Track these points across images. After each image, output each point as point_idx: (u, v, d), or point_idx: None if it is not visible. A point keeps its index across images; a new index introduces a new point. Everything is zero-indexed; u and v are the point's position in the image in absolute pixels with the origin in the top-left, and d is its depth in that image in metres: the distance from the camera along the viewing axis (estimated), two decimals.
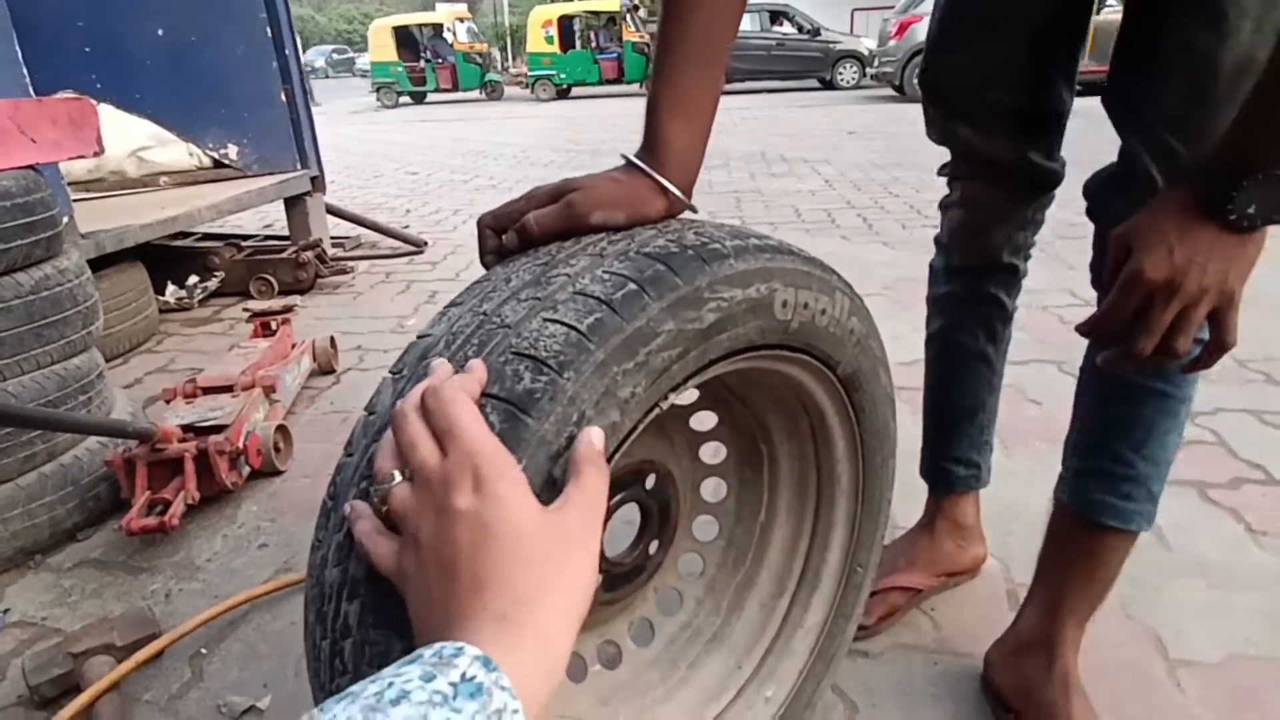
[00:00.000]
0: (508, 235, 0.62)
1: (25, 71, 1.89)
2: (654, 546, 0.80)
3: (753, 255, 0.60)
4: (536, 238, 0.60)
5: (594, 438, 0.45)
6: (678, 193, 0.62)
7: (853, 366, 0.72)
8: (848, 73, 13.63)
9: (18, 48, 1.86)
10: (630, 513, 0.76)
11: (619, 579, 0.78)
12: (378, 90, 16.14)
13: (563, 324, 0.50)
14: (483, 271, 0.62)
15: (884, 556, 1.11)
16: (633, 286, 0.52)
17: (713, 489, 0.88)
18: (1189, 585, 1.14)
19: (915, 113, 1.27)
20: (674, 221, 0.64)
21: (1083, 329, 0.71)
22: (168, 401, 1.58)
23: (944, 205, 1.03)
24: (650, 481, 0.77)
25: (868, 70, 12.93)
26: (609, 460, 0.52)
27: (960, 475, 1.12)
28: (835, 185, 4.50)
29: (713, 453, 0.86)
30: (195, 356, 2.27)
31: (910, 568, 1.10)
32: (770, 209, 3.94)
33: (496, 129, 9.73)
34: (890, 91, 11.21)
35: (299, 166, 2.98)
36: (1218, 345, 0.65)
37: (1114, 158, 0.78)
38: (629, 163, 0.64)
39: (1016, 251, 1.00)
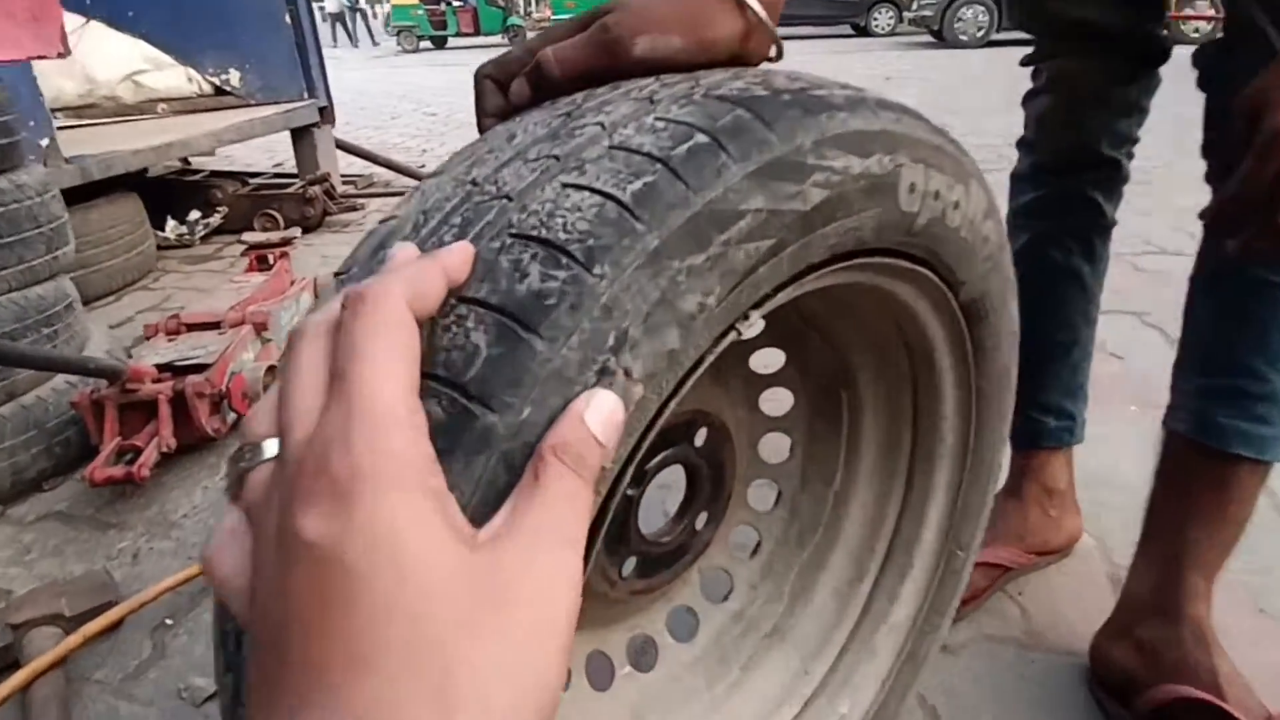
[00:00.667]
0: (516, 83, 0.43)
1: None
2: (702, 519, 0.63)
3: (872, 112, 0.41)
4: (558, 81, 0.41)
5: (593, 413, 0.27)
6: (760, 11, 0.43)
7: (981, 288, 0.53)
8: (883, 18, 12.95)
9: None
10: (671, 477, 0.59)
11: (657, 563, 0.61)
12: (398, 34, 15.80)
13: (594, 191, 0.31)
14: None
15: None
16: (703, 139, 0.34)
17: (774, 446, 0.70)
18: None
19: (954, 59, 1.04)
20: (753, 67, 0.45)
21: (1208, 214, 0.60)
22: (148, 338, 1.43)
23: (1029, 96, 0.88)
24: (701, 437, 0.60)
25: (904, 15, 12.27)
26: (652, 425, 0.34)
27: (1051, 428, 0.94)
28: None
29: (775, 402, 0.68)
30: (192, 294, 2.12)
31: (994, 542, 0.92)
32: None
33: None
34: (928, 37, 10.67)
35: (306, 96, 2.78)
36: None
37: None
38: None
39: (1118, 144, 0.84)
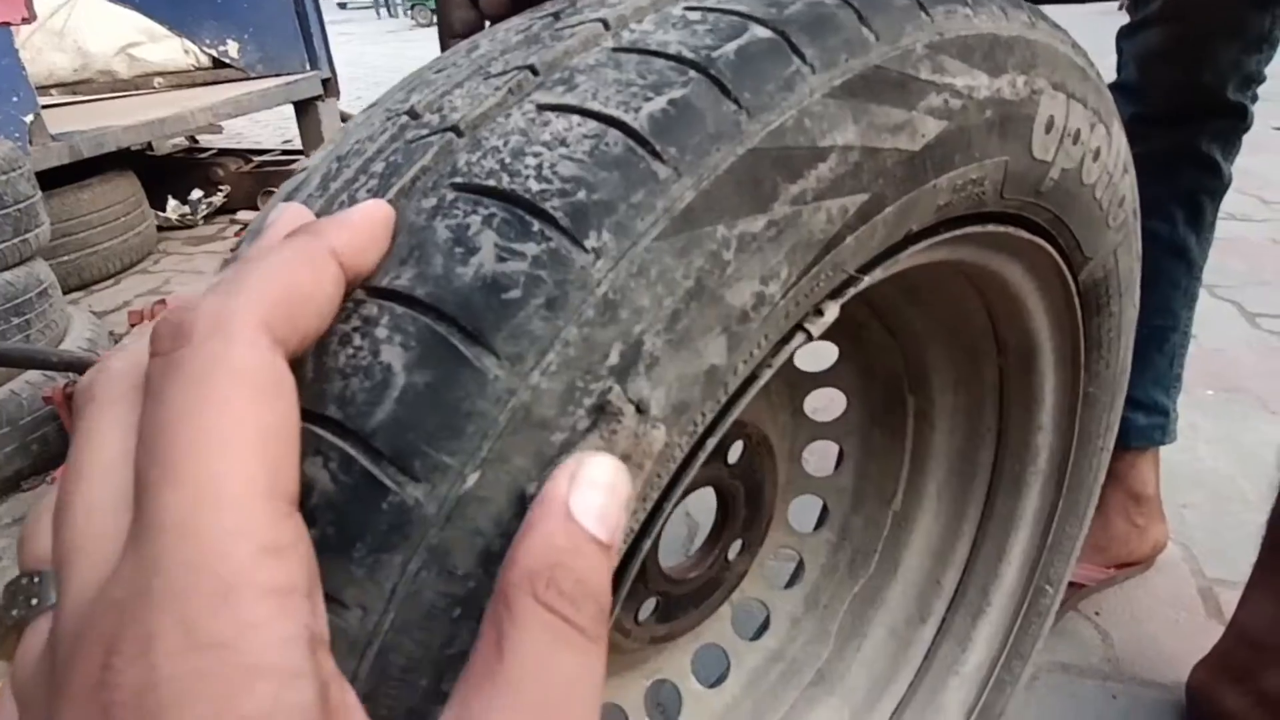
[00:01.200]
0: None
1: None
2: (734, 549, 0.52)
3: (1001, 9, 0.29)
4: None
5: (585, 491, 0.16)
6: None
7: (1107, 267, 0.42)
8: None
9: None
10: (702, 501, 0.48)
11: (681, 602, 0.50)
12: (411, 8, 15.61)
13: (588, 114, 0.20)
14: None
15: None
16: (764, 33, 0.22)
17: (819, 457, 0.59)
18: None
19: None
20: None
21: None
22: (133, 325, 1.33)
23: (1131, 30, 0.73)
24: (735, 452, 0.49)
25: None
26: (676, 481, 0.23)
27: (1140, 425, 0.82)
28: None
29: (823, 406, 0.57)
30: (193, 278, 2.04)
31: None
32: None
33: None
34: None
35: (308, 68, 2.66)
36: None
37: None
38: None
39: (1245, 85, 0.71)
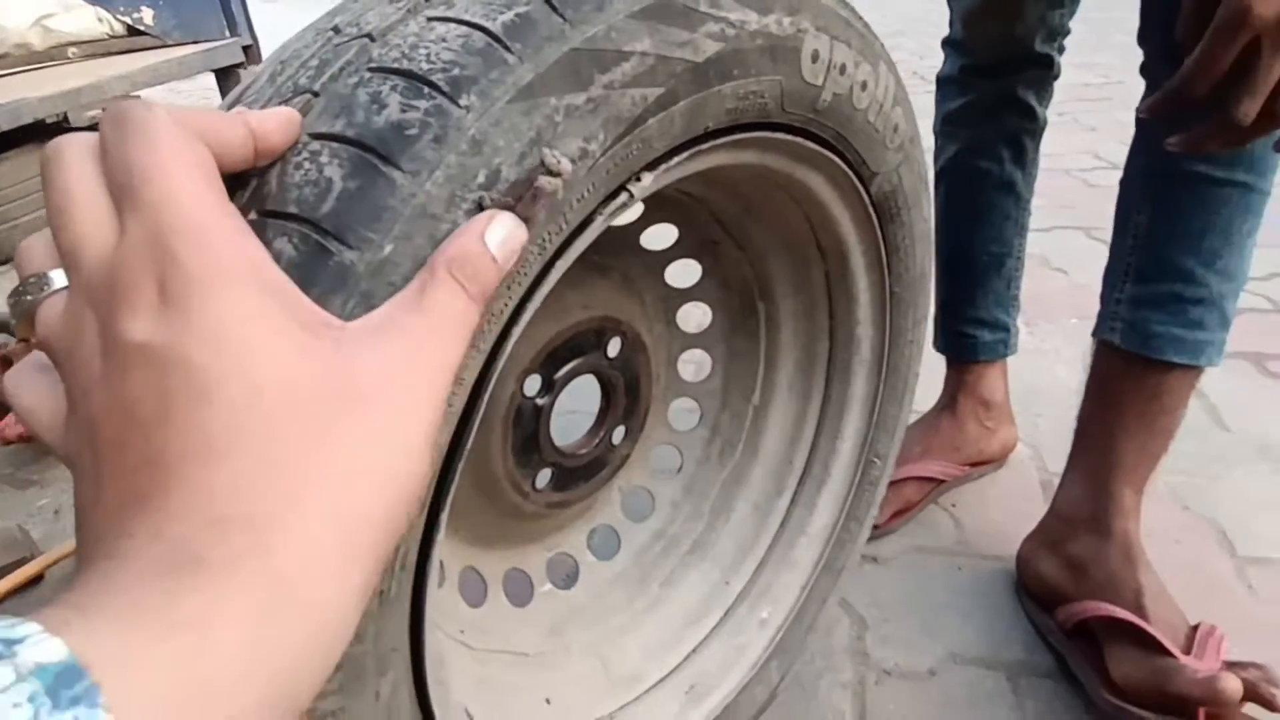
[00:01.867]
0: None
1: None
2: (619, 434, 0.62)
3: None
4: None
5: (493, 232, 0.25)
6: None
7: (893, 182, 0.51)
8: None
9: None
10: (583, 395, 0.57)
11: (573, 474, 0.59)
12: None
13: (461, 22, 0.29)
14: None
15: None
16: None
17: (694, 364, 0.68)
18: (1252, 471, 0.97)
19: None
20: None
21: (1151, 106, 0.55)
22: None
23: None
24: (614, 347, 0.58)
25: None
26: (545, 273, 0.32)
27: (986, 341, 0.94)
28: None
29: (694, 319, 0.66)
30: None
31: (928, 455, 0.93)
32: None
33: None
34: None
35: (228, 34, 2.62)
36: None
37: None
38: None
39: (1051, 38, 0.82)
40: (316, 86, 0.28)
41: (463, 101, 0.27)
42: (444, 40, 0.28)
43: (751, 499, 0.67)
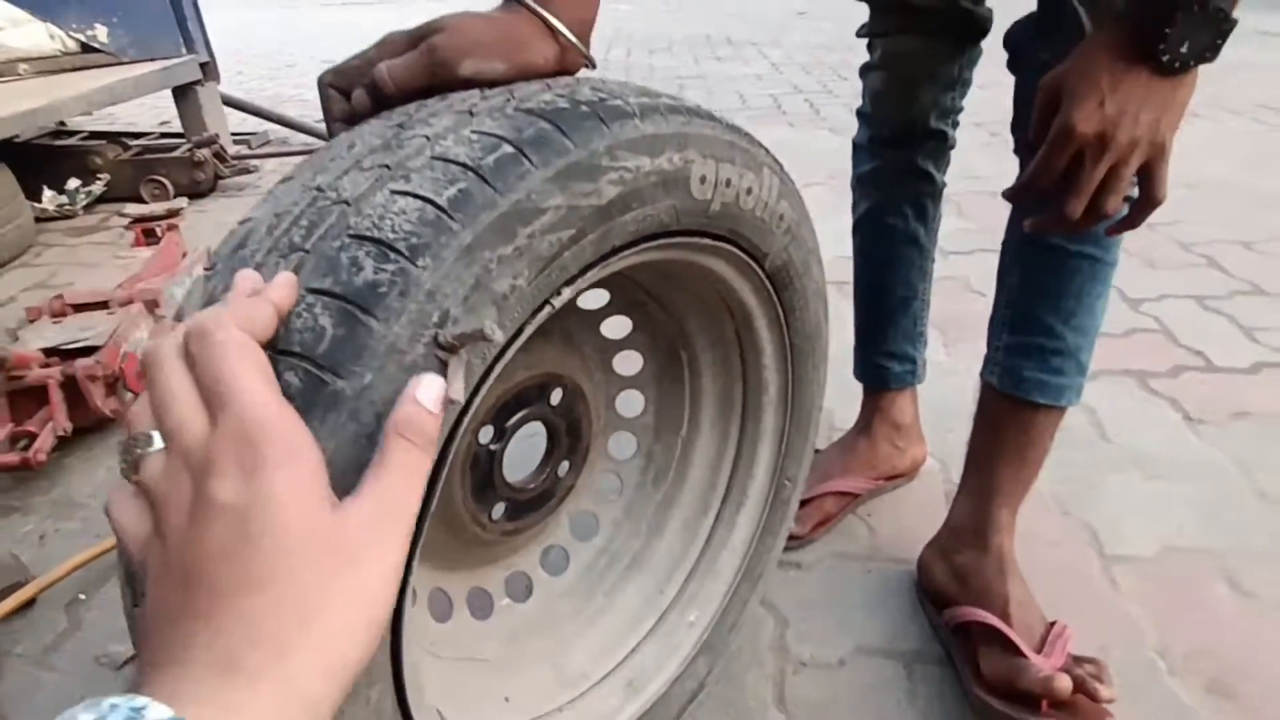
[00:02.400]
0: (357, 93, 0.49)
1: None
2: (564, 468, 0.71)
3: (663, 117, 0.48)
4: (392, 94, 0.47)
5: (424, 392, 0.33)
6: (571, 36, 0.49)
7: (782, 258, 0.62)
8: None
9: None
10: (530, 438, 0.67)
11: (525, 506, 0.69)
12: None
13: (416, 197, 0.38)
14: None
15: (820, 461, 1.06)
16: (508, 149, 0.40)
17: (629, 403, 0.78)
18: (1127, 479, 1.11)
19: None
20: (566, 78, 0.51)
21: (1009, 194, 0.68)
22: (32, 321, 1.40)
23: (865, 69, 0.95)
24: (556, 397, 0.67)
25: None
26: (482, 381, 0.41)
27: (895, 371, 1.06)
28: (783, 69, 4.28)
29: (628, 363, 0.76)
30: (78, 270, 2.05)
31: (846, 473, 1.05)
32: (714, 95, 3.72)
33: (426, 11, 8.98)
34: None
35: (184, 51, 2.64)
36: (1148, 201, 0.62)
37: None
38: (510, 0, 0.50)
39: (945, 116, 0.93)
40: (308, 246, 0.37)
41: (420, 263, 0.36)
42: (404, 213, 0.37)
43: (681, 518, 0.77)
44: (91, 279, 1.96)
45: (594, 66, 0.54)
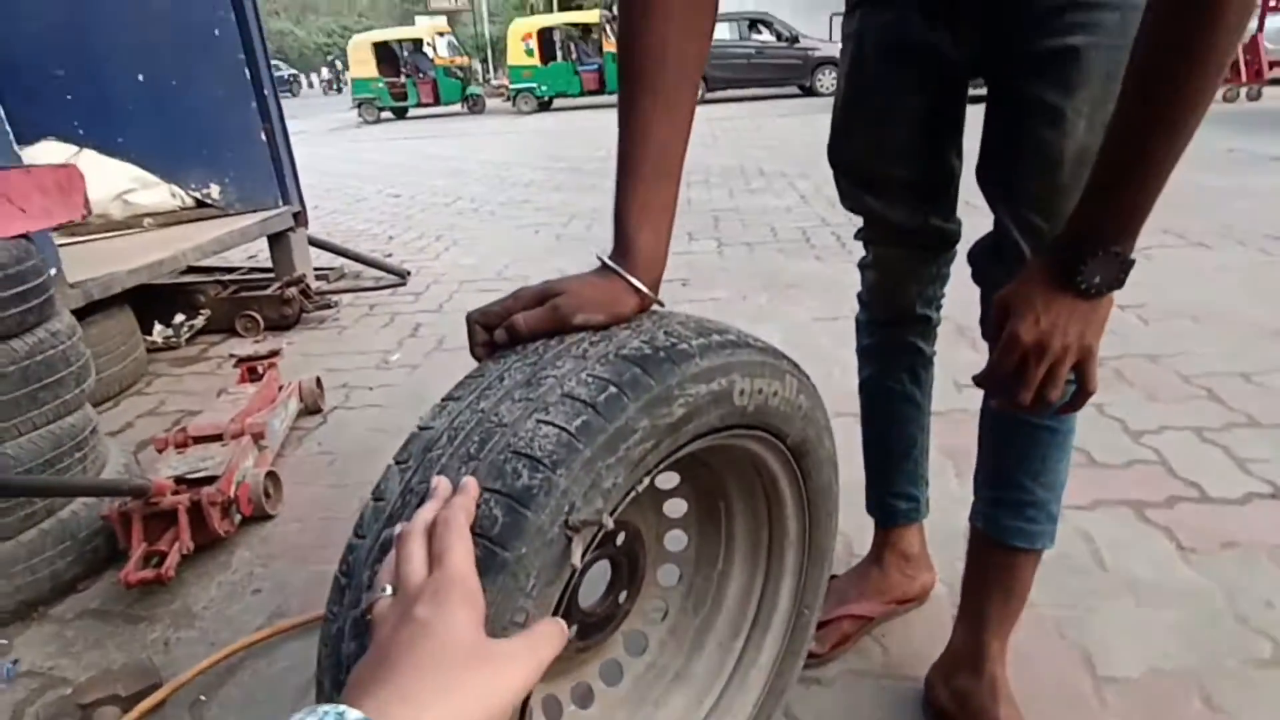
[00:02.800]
0: (498, 332, 0.68)
1: (9, 129, 1.93)
2: (623, 596, 0.88)
3: (715, 352, 0.67)
4: (524, 336, 0.66)
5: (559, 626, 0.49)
6: (648, 291, 0.70)
7: (800, 436, 0.80)
8: (827, 79, 13.75)
9: (1, 110, 1.91)
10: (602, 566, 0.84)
11: (592, 628, 0.85)
12: (359, 106, 16.11)
13: (555, 425, 0.55)
14: (474, 363, 0.69)
15: (837, 587, 1.20)
16: (613, 390, 0.59)
17: (675, 539, 0.96)
18: (1120, 604, 1.23)
19: None
20: (645, 319, 0.70)
21: (977, 380, 0.81)
22: (159, 451, 1.64)
23: (861, 266, 1.13)
24: (620, 539, 0.85)
25: None
26: (589, 546, 0.59)
27: (902, 509, 1.21)
28: (811, 202, 4.61)
29: (675, 507, 0.94)
30: (184, 398, 2.33)
31: (861, 598, 1.19)
32: (747, 228, 4.03)
33: (478, 145, 9.80)
34: None
35: (281, 203, 3.04)
36: (1083, 392, 0.75)
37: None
38: (604, 265, 0.70)
39: (928, 304, 1.10)
40: (480, 455, 0.57)
41: (559, 473, 0.55)
42: (547, 437, 0.56)
43: (717, 639, 0.93)
44: (196, 406, 2.23)
45: (662, 305, 0.75)
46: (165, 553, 1.38)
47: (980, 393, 0.87)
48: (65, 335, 1.48)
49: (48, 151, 2.58)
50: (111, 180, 2.74)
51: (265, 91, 2.89)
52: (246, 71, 2.85)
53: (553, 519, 0.53)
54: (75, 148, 2.63)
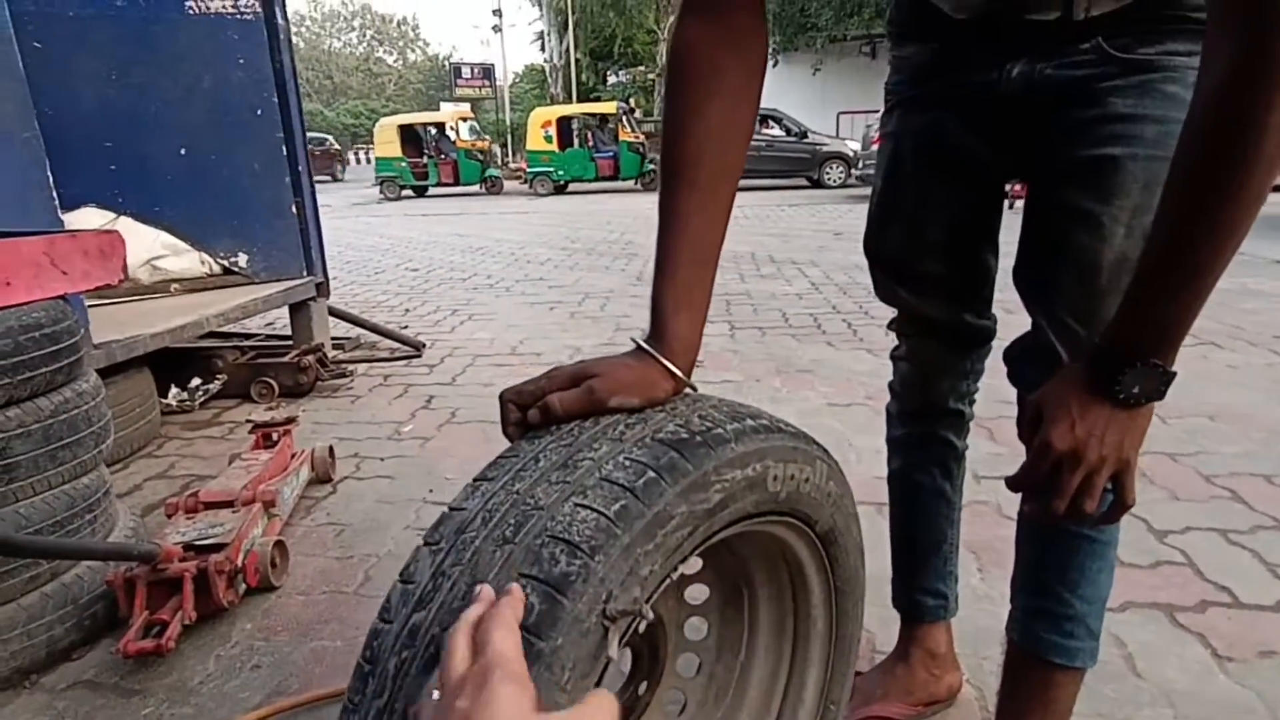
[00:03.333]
0: (531, 412, 0.67)
1: (55, 195, 2.00)
2: (643, 687, 0.85)
3: (749, 437, 0.67)
4: (559, 417, 0.65)
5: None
6: (683, 376, 0.71)
7: (829, 524, 0.79)
8: (834, 172, 14.28)
9: (49, 173, 1.99)
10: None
11: None
12: (380, 184, 16.69)
13: (593, 509, 0.54)
14: (506, 443, 0.68)
15: (861, 685, 1.15)
16: (651, 474, 0.58)
17: (695, 627, 0.93)
18: (1157, 715, 1.17)
19: None
20: (680, 402, 0.71)
21: (1009, 484, 0.77)
22: (169, 516, 1.62)
23: (894, 357, 1.14)
24: (643, 626, 0.82)
25: (853, 170, 13.61)
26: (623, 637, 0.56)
27: (929, 606, 1.17)
28: (821, 289, 4.68)
29: (696, 592, 0.92)
30: (195, 462, 2.32)
31: (886, 698, 1.14)
32: (758, 312, 4.08)
33: (495, 224, 10.07)
34: None
35: (305, 274, 3.10)
36: (1120, 504, 0.72)
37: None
38: (639, 348, 0.71)
39: (961, 398, 1.09)
40: (516, 539, 0.55)
41: (596, 559, 0.53)
42: (585, 521, 0.55)
43: None
44: (206, 471, 2.22)
45: (696, 390, 0.75)
46: (166, 622, 1.34)
47: (1010, 492, 0.85)
48: (90, 395, 1.49)
49: (87, 217, 2.66)
50: (144, 246, 2.82)
51: (299, 168, 3.00)
52: (283, 149, 2.96)
53: (590, 608, 0.52)
54: (113, 214, 2.71)
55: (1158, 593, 1.48)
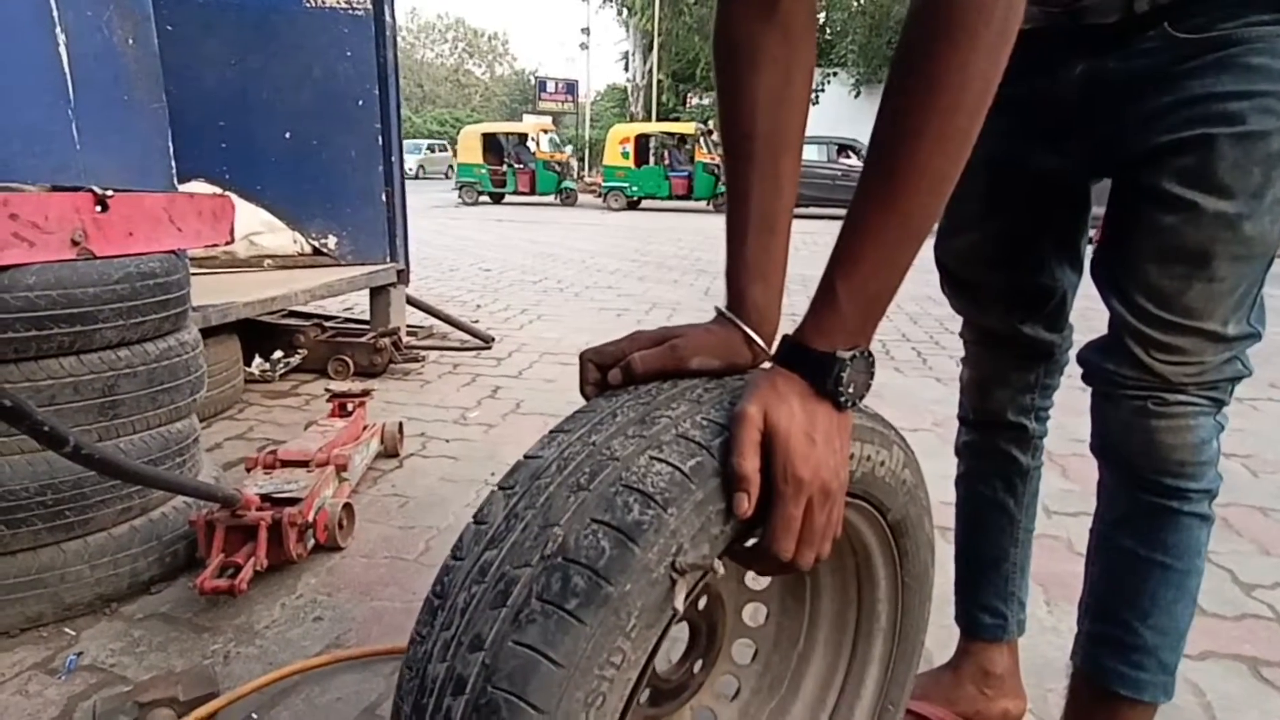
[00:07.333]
0: (613, 372, 0.67)
1: (173, 163, 2.14)
2: (698, 665, 0.85)
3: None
4: (639, 376, 0.65)
5: None
6: (763, 344, 0.71)
7: (902, 513, 0.78)
8: None
9: (170, 144, 2.12)
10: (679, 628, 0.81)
11: (665, 695, 0.82)
12: (460, 189, 17.22)
13: (668, 464, 0.54)
14: (581, 401, 0.68)
15: None
16: (728, 435, 0.58)
17: (754, 613, 0.92)
18: None
19: None
20: (756, 372, 0.70)
21: (763, 568, 0.68)
22: (248, 470, 1.70)
23: (962, 360, 1.11)
24: (702, 601, 0.83)
25: None
26: (690, 596, 0.55)
27: (986, 623, 1.13)
28: (891, 316, 4.59)
29: (758, 578, 0.91)
30: (272, 427, 2.42)
31: (928, 696, 1.10)
32: None
33: (568, 233, 10.24)
34: None
35: (388, 260, 3.22)
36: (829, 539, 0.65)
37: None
38: (721, 315, 0.72)
39: (1023, 412, 1.05)
40: (590, 487, 0.55)
41: (669, 511, 0.53)
42: (660, 474, 0.55)
43: None
44: (282, 436, 2.31)
45: (775, 362, 0.75)
46: (240, 565, 1.41)
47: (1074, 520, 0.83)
48: (190, 346, 1.58)
49: (197, 189, 2.83)
50: (244, 221, 2.97)
51: (393, 158, 3.13)
52: (379, 139, 3.10)
53: (660, 558, 0.51)
54: (219, 189, 2.87)
55: (1242, 645, 1.39)
